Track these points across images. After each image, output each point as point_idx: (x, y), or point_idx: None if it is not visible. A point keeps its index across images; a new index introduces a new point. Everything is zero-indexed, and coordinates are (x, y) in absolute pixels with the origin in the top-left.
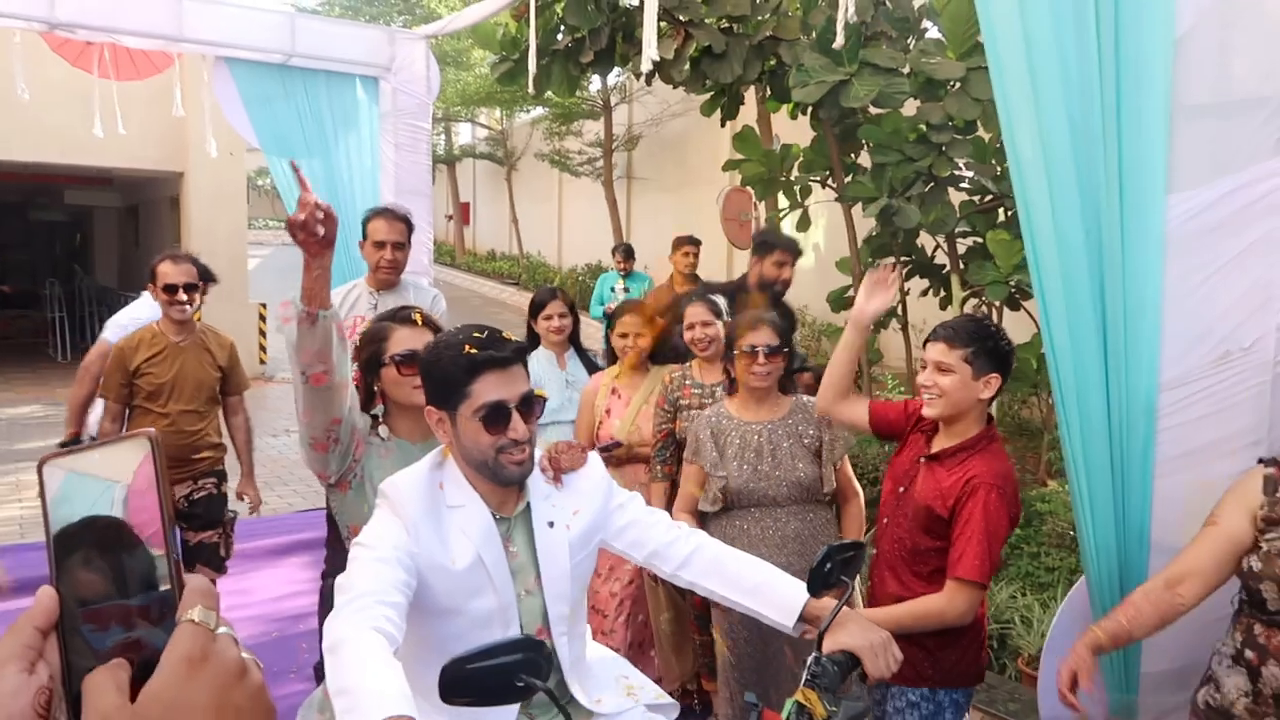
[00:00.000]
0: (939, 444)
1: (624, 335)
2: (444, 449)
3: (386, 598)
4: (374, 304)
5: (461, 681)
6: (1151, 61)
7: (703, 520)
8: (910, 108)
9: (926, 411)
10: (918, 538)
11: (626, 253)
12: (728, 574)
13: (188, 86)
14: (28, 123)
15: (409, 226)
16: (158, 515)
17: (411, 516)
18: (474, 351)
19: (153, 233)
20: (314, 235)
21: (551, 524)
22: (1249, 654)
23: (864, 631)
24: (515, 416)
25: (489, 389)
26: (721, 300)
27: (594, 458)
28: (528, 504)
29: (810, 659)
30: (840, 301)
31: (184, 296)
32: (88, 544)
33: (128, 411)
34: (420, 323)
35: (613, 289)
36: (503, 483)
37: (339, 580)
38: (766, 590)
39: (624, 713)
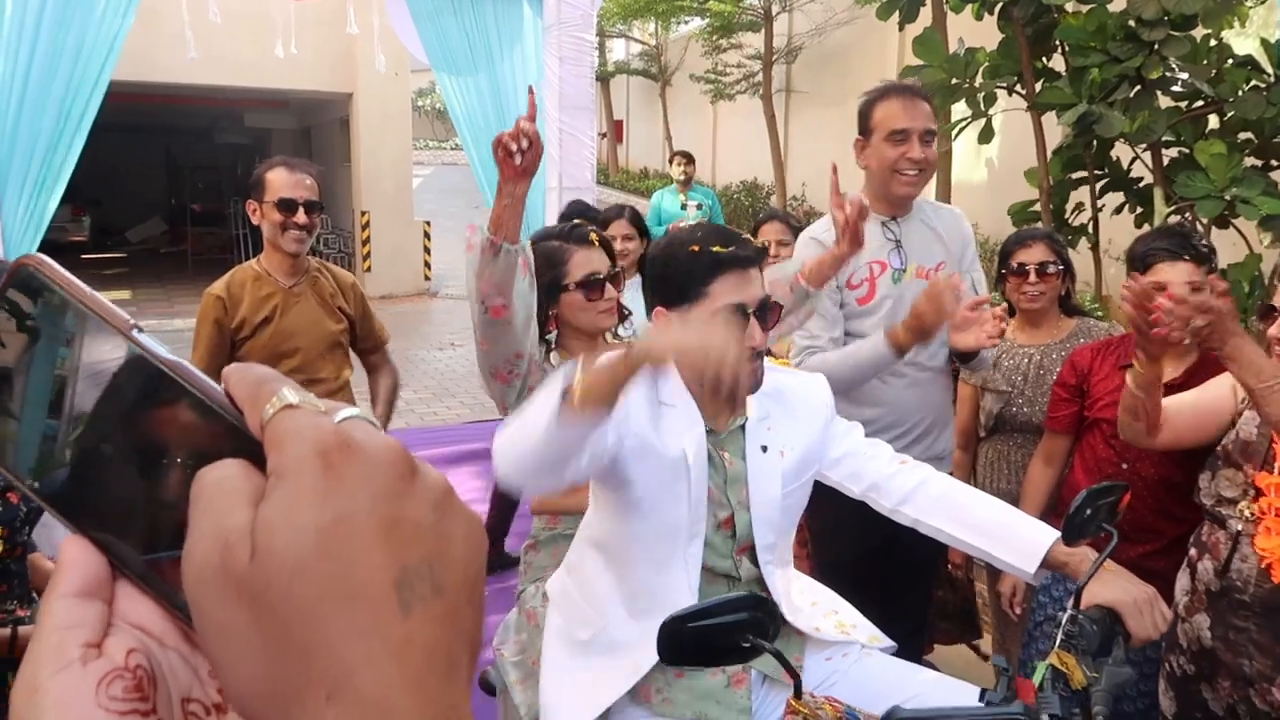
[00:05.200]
0: (1167, 372)
1: (765, 246)
2: None
3: None
4: (896, 238)
5: (681, 641)
6: None
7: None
8: (1115, 4)
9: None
10: (1179, 467)
11: (687, 157)
12: (957, 511)
13: (357, 8)
14: (211, 49)
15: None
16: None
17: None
18: (718, 249)
19: (325, 153)
20: (509, 155)
21: (765, 448)
22: (1193, 552)
23: (1127, 586)
24: (754, 322)
25: (729, 290)
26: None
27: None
28: (742, 424)
29: (1065, 617)
30: (1024, 215)
31: (305, 219)
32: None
33: None
34: (597, 242)
35: (683, 206)
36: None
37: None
38: (1002, 531)
39: (843, 643)
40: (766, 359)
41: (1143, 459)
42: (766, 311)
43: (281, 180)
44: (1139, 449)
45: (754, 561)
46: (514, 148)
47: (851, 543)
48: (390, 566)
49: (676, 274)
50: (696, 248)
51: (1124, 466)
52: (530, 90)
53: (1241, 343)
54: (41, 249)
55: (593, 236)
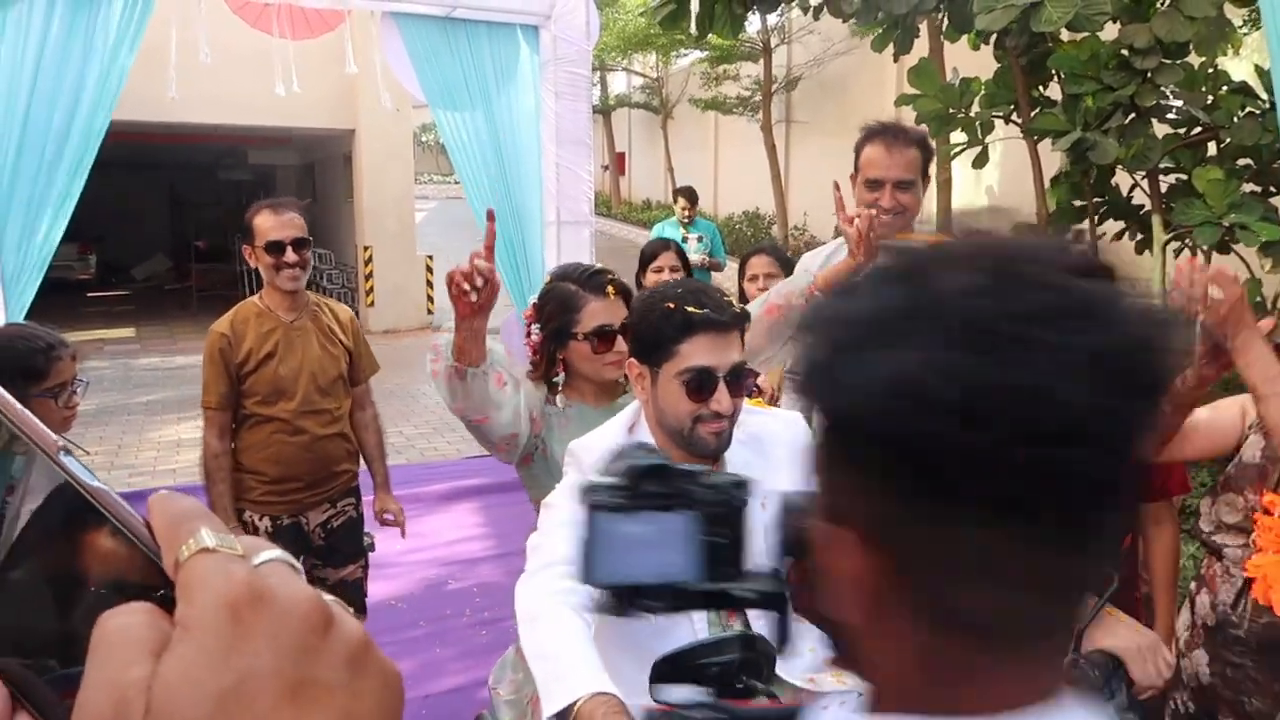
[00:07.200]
0: None
1: (754, 278)
2: (639, 409)
3: None
4: None
5: (674, 682)
6: None
7: None
8: (1108, 32)
9: None
10: None
11: (690, 196)
12: None
13: (357, 45)
14: (214, 87)
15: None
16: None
17: None
18: (691, 310)
19: (328, 189)
20: (465, 294)
21: None
22: (1192, 585)
23: (1129, 631)
24: (722, 387)
25: (699, 352)
26: None
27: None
28: None
29: (1065, 661)
30: None
31: (294, 256)
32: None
33: (235, 423)
34: (614, 293)
35: (684, 239)
36: (696, 454)
37: (530, 540)
38: None
39: (841, 692)
40: (745, 400)
41: None
42: (739, 378)
43: (268, 224)
44: None
45: (746, 623)
46: (467, 286)
47: None
48: None
49: (649, 329)
50: (672, 305)
51: None
52: (490, 215)
53: (1254, 336)
54: (46, 288)
55: (610, 288)
